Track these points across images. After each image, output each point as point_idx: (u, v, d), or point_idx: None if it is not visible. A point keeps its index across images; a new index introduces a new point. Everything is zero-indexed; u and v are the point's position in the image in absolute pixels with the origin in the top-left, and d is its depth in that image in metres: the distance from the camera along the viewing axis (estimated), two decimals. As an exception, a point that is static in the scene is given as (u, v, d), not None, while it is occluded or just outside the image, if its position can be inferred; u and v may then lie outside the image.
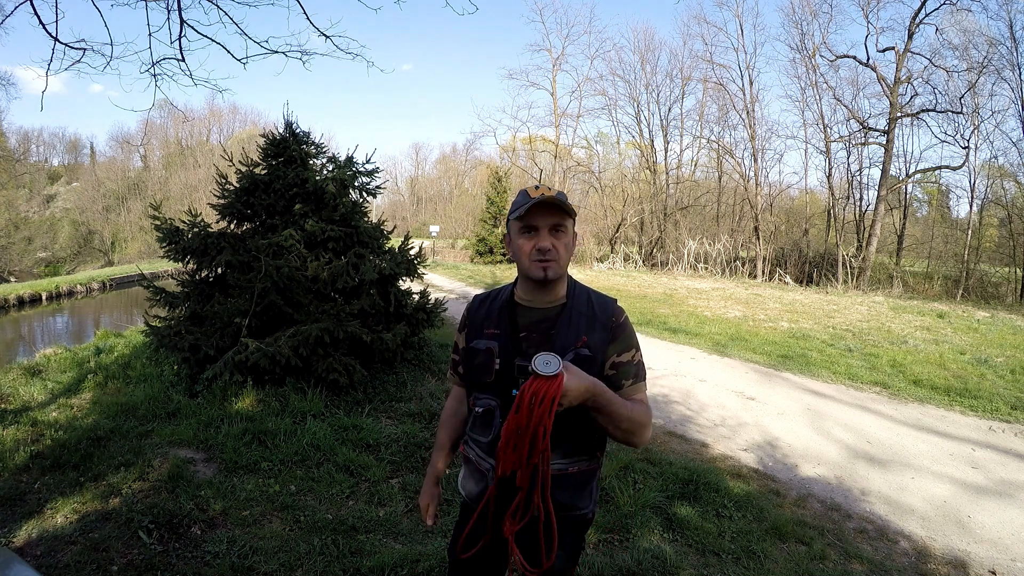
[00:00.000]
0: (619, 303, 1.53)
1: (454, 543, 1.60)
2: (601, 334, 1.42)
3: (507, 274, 20.56)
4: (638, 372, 1.46)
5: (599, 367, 1.41)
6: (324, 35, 4.80)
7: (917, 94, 21.22)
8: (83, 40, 4.32)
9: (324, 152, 5.74)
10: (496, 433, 1.43)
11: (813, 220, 26.89)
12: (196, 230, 4.99)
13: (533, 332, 1.43)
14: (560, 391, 1.17)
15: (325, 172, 5.57)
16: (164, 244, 5.02)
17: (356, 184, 5.70)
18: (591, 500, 1.47)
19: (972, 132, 20.50)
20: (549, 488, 1.32)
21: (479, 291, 1.71)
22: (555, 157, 31.98)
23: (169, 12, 4.38)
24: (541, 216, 1.37)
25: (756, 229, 24.69)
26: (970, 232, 21.40)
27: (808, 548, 3.02)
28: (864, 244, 21.58)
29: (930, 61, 20.72)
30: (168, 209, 6.78)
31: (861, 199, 24.65)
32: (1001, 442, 4.75)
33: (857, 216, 24.35)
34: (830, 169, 24.14)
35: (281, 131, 5.52)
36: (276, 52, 4.79)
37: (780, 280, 21.16)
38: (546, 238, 1.38)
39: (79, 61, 4.33)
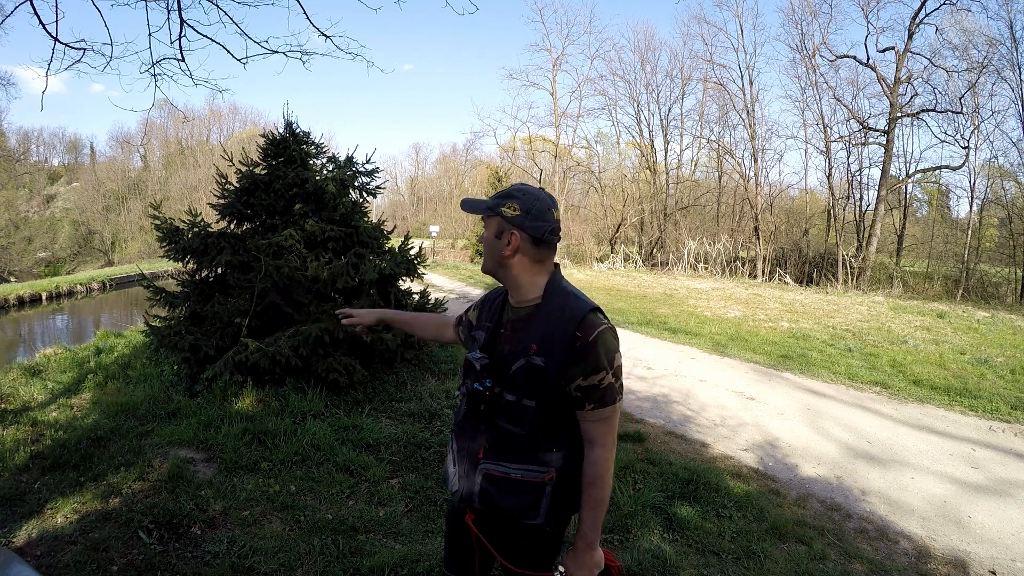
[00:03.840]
0: (598, 312, 1.39)
1: (444, 528, 1.68)
2: (561, 346, 1.34)
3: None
4: (604, 397, 1.35)
5: (556, 380, 1.35)
6: (324, 35, 4.82)
7: (917, 94, 21.27)
8: (83, 40, 4.34)
9: (324, 152, 5.74)
10: (461, 419, 1.50)
11: (813, 220, 26.91)
12: (196, 230, 4.99)
13: (508, 330, 1.45)
14: None
15: (325, 172, 5.57)
16: (164, 244, 5.02)
17: (356, 184, 5.70)
18: (541, 514, 1.40)
19: (972, 132, 20.54)
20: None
21: (479, 291, 1.77)
22: (555, 157, 31.99)
23: (169, 12, 4.40)
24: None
25: (756, 229, 24.70)
26: (970, 232, 21.43)
27: (808, 548, 3.02)
28: (864, 244, 21.60)
29: (930, 61, 20.76)
30: (168, 209, 6.78)
31: (861, 199, 24.69)
32: (1001, 442, 4.75)
33: (857, 216, 24.37)
34: (830, 169, 24.18)
35: (281, 131, 5.52)
36: (276, 52, 4.80)
37: (780, 280, 21.16)
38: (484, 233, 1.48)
39: (79, 61, 4.34)
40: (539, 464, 1.39)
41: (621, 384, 1.39)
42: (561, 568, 1.43)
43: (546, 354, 1.35)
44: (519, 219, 1.39)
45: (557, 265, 1.49)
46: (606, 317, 1.41)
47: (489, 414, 1.42)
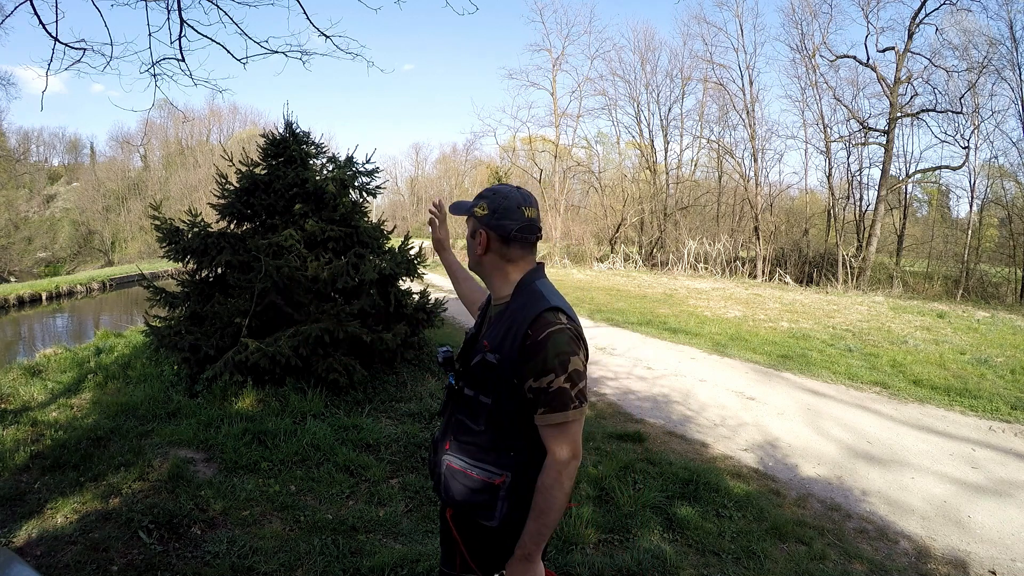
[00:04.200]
0: (556, 312, 1.34)
1: None
2: (512, 345, 1.33)
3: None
4: (553, 401, 1.28)
5: (507, 378, 1.34)
6: (324, 35, 4.81)
7: (917, 94, 21.24)
8: (83, 40, 4.33)
9: (324, 152, 5.74)
10: (441, 408, 1.57)
11: (813, 220, 26.90)
12: (196, 230, 4.99)
13: (486, 327, 1.50)
14: None
15: (325, 172, 5.57)
16: (164, 244, 5.02)
17: (356, 184, 5.70)
18: (496, 517, 1.37)
19: (972, 132, 20.51)
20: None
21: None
22: (555, 157, 31.96)
23: (169, 12, 4.39)
24: None
25: (756, 229, 24.69)
26: (970, 232, 21.40)
27: (808, 548, 3.02)
28: (864, 244, 21.59)
29: (930, 61, 20.73)
30: (168, 209, 6.79)
31: (861, 199, 24.67)
32: (1001, 442, 4.75)
33: (857, 216, 24.36)
34: (830, 169, 24.16)
35: (281, 131, 5.52)
36: (276, 52, 4.79)
37: (780, 280, 21.16)
38: None
39: (79, 61, 4.34)
40: (494, 465, 1.37)
41: (580, 391, 1.30)
42: (502, 573, 1.38)
43: (499, 351, 1.35)
44: (487, 218, 1.43)
45: (540, 264, 1.47)
46: (569, 318, 1.35)
47: (454, 408, 1.48)
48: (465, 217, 1.51)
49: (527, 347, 1.30)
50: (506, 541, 1.39)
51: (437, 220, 1.83)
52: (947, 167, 22.00)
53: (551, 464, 1.30)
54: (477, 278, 1.75)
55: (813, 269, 23.02)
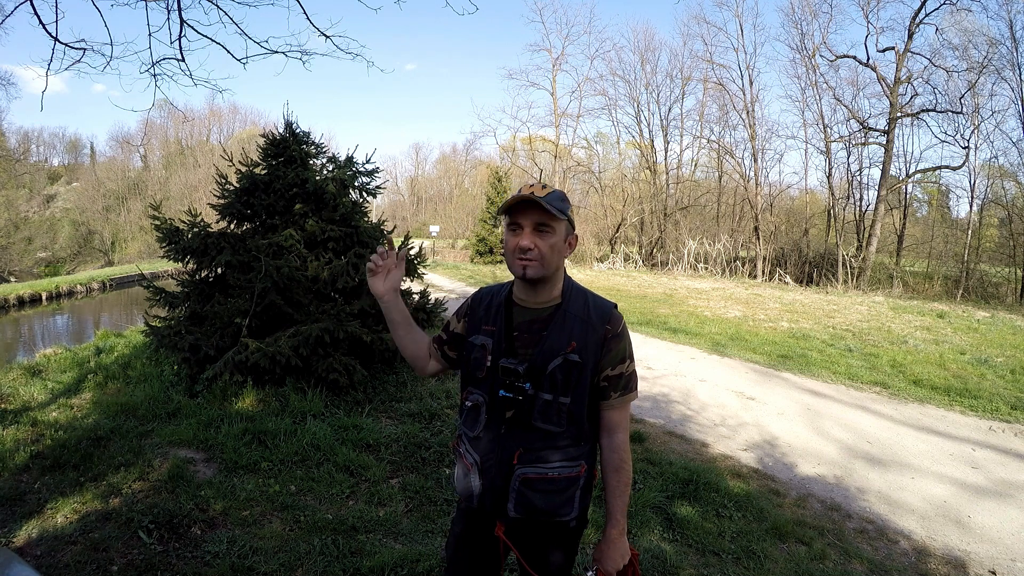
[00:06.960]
0: (618, 308, 1.48)
1: (449, 541, 1.62)
2: (594, 342, 1.40)
3: (507, 274, 20.60)
4: (628, 383, 1.44)
5: (589, 375, 1.40)
6: (324, 35, 4.82)
7: (917, 94, 21.28)
8: (83, 40, 4.34)
9: (324, 152, 5.74)
10: (482, 429, 1.45)
11: (813, 220, 26.92)
12: (196, 230, 4.99)
13: (525, 332, 1.43)
14: None
15: (325, 172, 5.57)
16: (164, 244, 5.02)
17: (356, 184, 5.70)
18: (573, 508, 1.44)
19: (972, 132, 20.55)
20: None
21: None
22: (555, 157, 31.99)
23: (169, 12, 4.39)
24: (524, 214, 1.36)
25: (756, 229, 24.71)
26: (970, 232, 21.43)
27: (808, 548, 3.02)
28: (864, 244, 21.61)
29: (930, 61, 20.77)
30: (168, 209, 6.79)
31: (861, 199, 24.72)
32: (1001, 442, 4.75)
33: (857, 216, 24.39)
34: (830, 169, 24.20)
35: (281, 131, 5.52)
36: (276, 52, 4.79)
37: (780, 280, 21.18)
38: (527, 236, 1.36)
39: (79, 61, 4.34)
40: (572, 459, 1.42)
41: None
42: (593, 568, 1.43)
43: (581, 351, 1.38)
44: (573, 223, 1.46)
45: None
46: None
47: (522, 418, 1.40)
48: (544, 219, 1.36)
49: (609, 340, 1.41)
50: (575, 532, 1.49)
51: (385, 264, 1.53)
52: (947, 167, 22.05)
53: (623, 440, 1.44)
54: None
55: (813, 269, 23.04)
